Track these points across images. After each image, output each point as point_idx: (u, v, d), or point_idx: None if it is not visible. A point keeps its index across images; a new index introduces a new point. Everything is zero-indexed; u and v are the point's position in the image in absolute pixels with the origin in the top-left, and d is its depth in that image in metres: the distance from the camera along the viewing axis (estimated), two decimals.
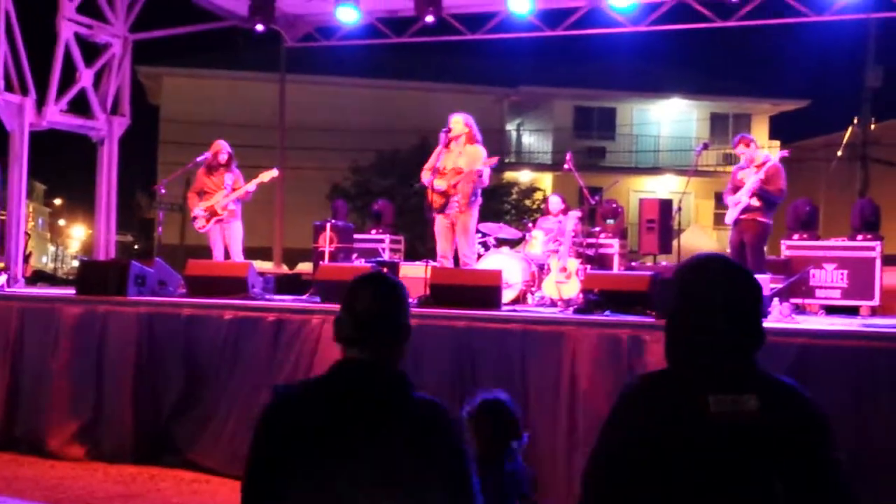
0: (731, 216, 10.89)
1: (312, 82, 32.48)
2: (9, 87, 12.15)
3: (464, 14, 15.11)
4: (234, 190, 11.71)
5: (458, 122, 10.53)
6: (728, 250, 11.28)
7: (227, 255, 11.77)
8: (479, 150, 10.46)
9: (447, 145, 10.44)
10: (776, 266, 11.61)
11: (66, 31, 12.98)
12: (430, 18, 13.52)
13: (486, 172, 10.44)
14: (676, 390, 2.75)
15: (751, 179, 10.68)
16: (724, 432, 2.65)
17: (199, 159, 12.12)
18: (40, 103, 12.68)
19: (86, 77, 13.46)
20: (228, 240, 11.80)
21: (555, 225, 12.16)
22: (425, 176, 10.48)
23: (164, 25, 15.45)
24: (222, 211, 11.67)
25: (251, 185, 11.69)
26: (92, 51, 13.75)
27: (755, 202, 10.64)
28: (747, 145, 11.04)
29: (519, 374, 7.57)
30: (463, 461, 2.94)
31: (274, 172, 11.90)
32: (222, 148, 11.87)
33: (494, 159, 10.55)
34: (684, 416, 2.68)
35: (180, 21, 15.92)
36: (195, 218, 11.83)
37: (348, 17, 14.01)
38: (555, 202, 13.01)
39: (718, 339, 2.76)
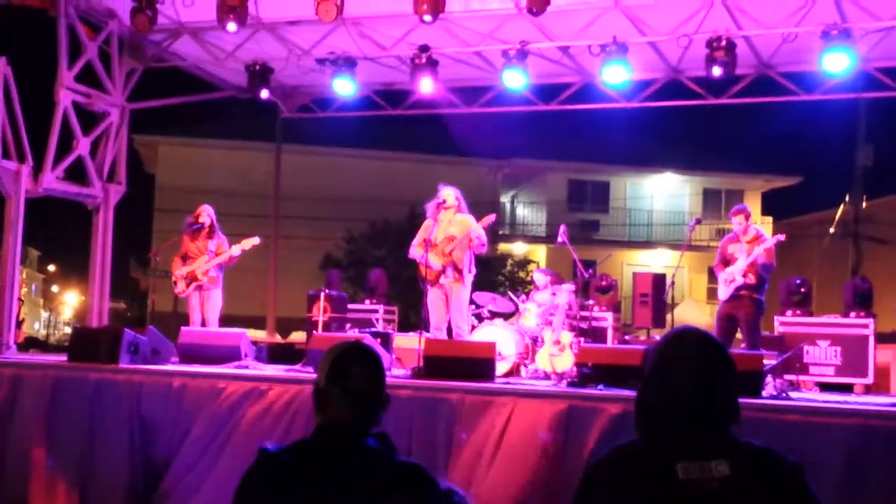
0: (724, 293, 10.84)
1: (307, 152, 32.60)
2: (6, 154, 12.19)
3: (459, 87, 15.27)
4: (216, 255, 11.69)
5: (450, 194, 10.59)
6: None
7: (203, 323, 11.71)
8: (470, 218, 10.52)
9: (436, 217, 10.48)
10: (770, 342, 11.60)
11: (65, 99, 13.07)
12: (428, 85, 13.57)
13: (485, 236, 10.47)
14: (646, 460, 2.78)
15: (742, 258, 10.67)
16: (692, 499, 2.66)
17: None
18: (37, 170, 12.72)
19: (83, 145, 13.53)
20: (206, 308, 11.75)
21: (548, 297, 12.15)
22: (416, 251, 10.49)
23: (161, 95, 15.59)
24: (202, 276, 11.63)
25: (234, 251, 11.66)
26: (89, 119, 13.83)
27: (750, 279, 10.62)
28: (747, 218, 11.05)
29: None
30: None
31: (255, 240, 11.88)
32: (203, 212, 11.90)
33: (491, 217, 10.60)
34: (653, 486, 2.70)
35: (177, 91, 16.07)
36: (175, 282, 11.79)
37: (345, 89, 14.12)
38: (539, 278, 13.00)
39: (688, 409, 2.79)
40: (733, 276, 10.66)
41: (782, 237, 11.02)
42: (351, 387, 3.06)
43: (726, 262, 10.90)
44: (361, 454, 2.96)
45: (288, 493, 2.90)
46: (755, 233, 10.94)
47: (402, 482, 2.94)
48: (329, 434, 3.03)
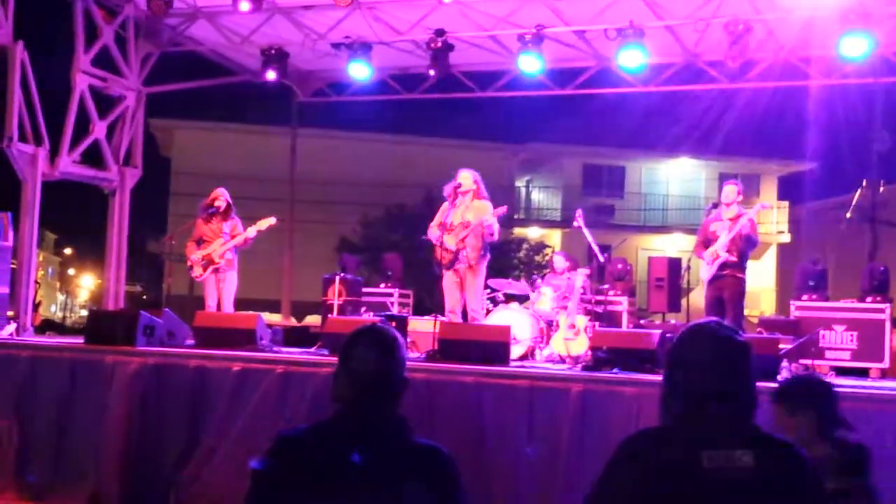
0: (707, 273, 10.75)
1: (323, 136, 32.61)
2: (22, 138, 12.24)
3: (474, 72, 15.25)
4: (232, 238, 11.67)
5: (467, 177, 10.54)
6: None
7: (218, 306, 11.69)
8: (487, 205, 10.46)
9: (454, 201, 10.45)
10: (786, 326, 11.57)
11: (82, 83, 13.12)
12: (443, 68, 13.56)
13: (496, 226, 10.43)
14: (672, 447, 2.82)
15: (725, 234, 10.61)
16: (717, 487, 2.72)
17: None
18: (53, 154, 12.78)
19: (99, 129, 13.58)
20: (222, 290, 11.71)
21: (563, 282, 12.15)
22: (433, 233, 10.47)
23: (177, 79, 15.62)
24: (219, 259, 11.59)
25: (250, 232, 11.60)
26: (106, 103, 13.87)
27: (733, 257, 10.58)
28: (739, 193, 10.97)
29: (526, 431, 7.54)
30: None
31: (272, 220, 11.82)
32: (220, 195, 11.84)
33: (503, 209, 10.56)
34: (679, 472, 2.75)
35: (193, 75, 16.09)
36: (191, 266, 11.75)
37: (360, 73, 14.12)
38: (559, 261, 13.03)
39: (709, 399, 2.83)
40: (717, 253, 10.59)
41: (768, 205, 10.96)
42: (354, 368, 3.06)
43: (708, 243, 10.85)
44: (376, 437, 2.96)
45: (304, 476, 2.91)
46: (737, 211, 10.86)
47: (418, 466, 2.93)
48: (343, 417, 3.03)
